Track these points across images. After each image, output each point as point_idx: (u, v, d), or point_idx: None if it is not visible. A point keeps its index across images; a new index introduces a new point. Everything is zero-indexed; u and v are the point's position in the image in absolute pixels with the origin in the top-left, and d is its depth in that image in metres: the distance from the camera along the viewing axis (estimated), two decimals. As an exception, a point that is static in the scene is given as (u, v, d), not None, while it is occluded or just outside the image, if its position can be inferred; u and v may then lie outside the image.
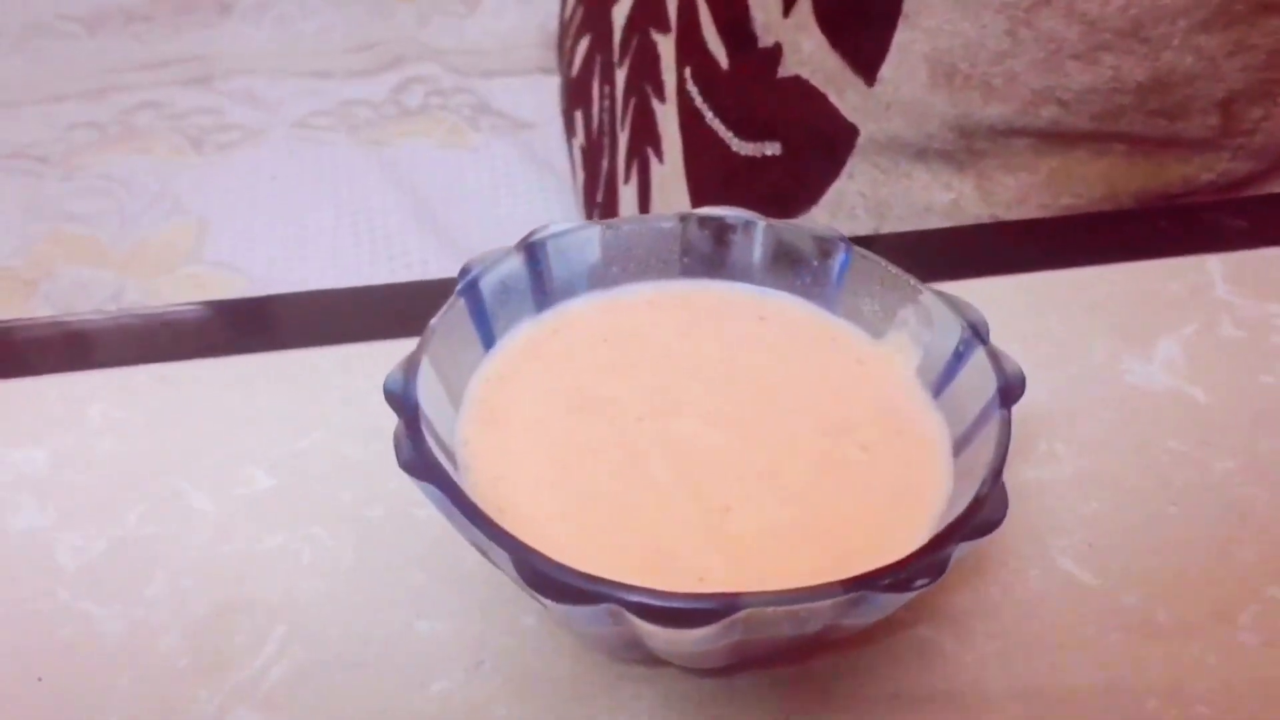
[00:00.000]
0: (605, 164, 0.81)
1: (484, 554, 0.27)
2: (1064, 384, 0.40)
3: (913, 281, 0.33)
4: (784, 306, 0.35)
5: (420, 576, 0.33)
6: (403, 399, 0.29)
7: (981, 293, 0.43)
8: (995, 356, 0.31)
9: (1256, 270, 0.45)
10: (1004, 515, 0.27)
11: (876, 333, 0.34)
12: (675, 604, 0.25)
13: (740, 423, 0.32)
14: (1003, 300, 0.43)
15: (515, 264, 0.33)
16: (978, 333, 0.31)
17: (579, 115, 0.89)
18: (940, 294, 0.33)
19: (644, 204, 0.73)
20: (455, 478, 0.29)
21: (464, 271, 0.33)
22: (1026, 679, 0.31)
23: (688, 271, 0.36)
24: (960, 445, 0.31)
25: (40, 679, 0.31)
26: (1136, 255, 0.45)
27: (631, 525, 0.29)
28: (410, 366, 0.30)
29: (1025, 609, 0.33)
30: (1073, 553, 0.34)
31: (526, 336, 0.34)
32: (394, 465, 0.27)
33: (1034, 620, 0.33)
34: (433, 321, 0.31)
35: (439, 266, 0.89)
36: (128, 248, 0.92)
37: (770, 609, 0.25)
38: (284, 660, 0.31)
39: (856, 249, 0.34)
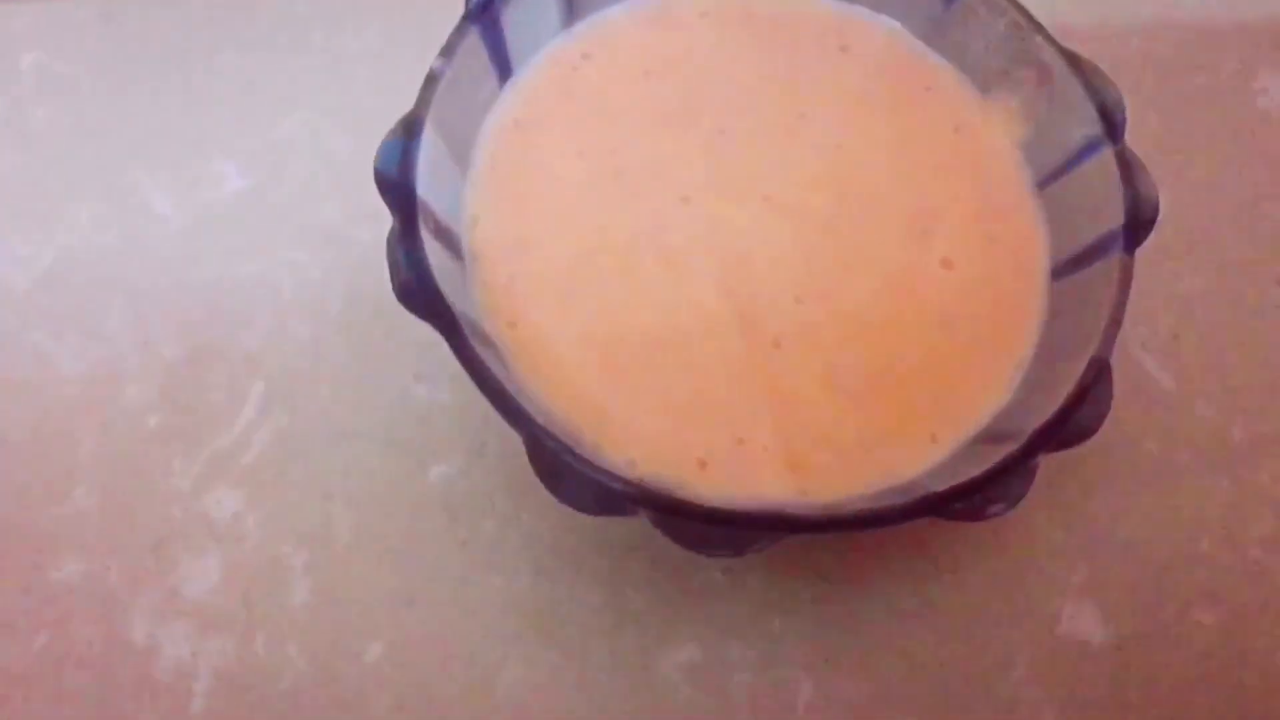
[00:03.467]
0: None
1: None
2: (1180, 102, 0.34)
3: (1041, 37, 0.26)
4: (873, 35, 0.28)
5: (418, 327, 0.29)
6: (399, 188, 0.23)
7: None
8: (1128, 166, 0.25)
9: None
10: (1102, 420, 0.23)
11: (983, 87, 0.28)
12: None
13: (803, 212, 0.26)
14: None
15: (540, -37, 0.26)
16: (1111, 125, 0.25)
17: None
18: (1074, 58, 0.26)
19: None
20: (462, 276, 0.24)
21: (474, -18, 0.25)
22: (1077, 505, 0.28)
23: (757, -29, 0.28)
24: (1062, 269, 0.26)
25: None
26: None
27: (664, 357, 0.24)
28: (410, 131, 0.24)
29: (1090, 419, 0.29)
30: (1156, 346, 0.30)
31: (551, 63, 0.27)
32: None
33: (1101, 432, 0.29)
34: (435, 64, 0.25)
35: None
36: None
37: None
38: (265, 426, 0.28)
39: (977, -26, 0.27)
